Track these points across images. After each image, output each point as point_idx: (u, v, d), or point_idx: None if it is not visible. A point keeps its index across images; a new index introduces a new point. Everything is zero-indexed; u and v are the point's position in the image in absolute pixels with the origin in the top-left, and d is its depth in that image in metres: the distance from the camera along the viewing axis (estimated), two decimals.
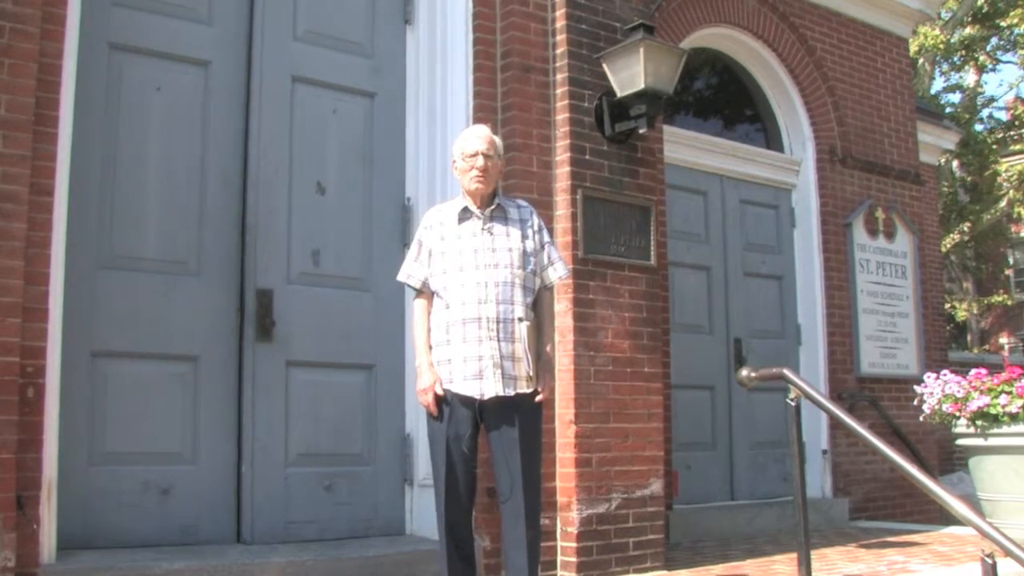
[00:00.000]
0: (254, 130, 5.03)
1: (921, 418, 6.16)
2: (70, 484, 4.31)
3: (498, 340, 3.79)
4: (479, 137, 3.94)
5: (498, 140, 4.02)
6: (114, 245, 4.63)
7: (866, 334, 7.64)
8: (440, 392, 3.84)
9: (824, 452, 7.34)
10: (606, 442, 5.12)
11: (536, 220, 4.02)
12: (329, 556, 4.50)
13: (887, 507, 7.50)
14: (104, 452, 4.49)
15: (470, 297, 3.81)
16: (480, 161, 3.87)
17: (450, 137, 5.18)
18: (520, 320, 3.83)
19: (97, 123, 4.62)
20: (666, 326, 6.22)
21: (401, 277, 4.03)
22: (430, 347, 3.91)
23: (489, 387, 3.79)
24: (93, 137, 4.59)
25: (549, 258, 4.01)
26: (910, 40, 9.55)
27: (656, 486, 5.27)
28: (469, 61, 5.37)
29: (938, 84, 19.29)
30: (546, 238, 4.03)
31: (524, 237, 3.93)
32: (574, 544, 4.95)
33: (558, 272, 4.04)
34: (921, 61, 16.99)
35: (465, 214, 3.92)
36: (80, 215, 4.47)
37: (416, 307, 4.02)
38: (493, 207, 3.92)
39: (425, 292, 3.98)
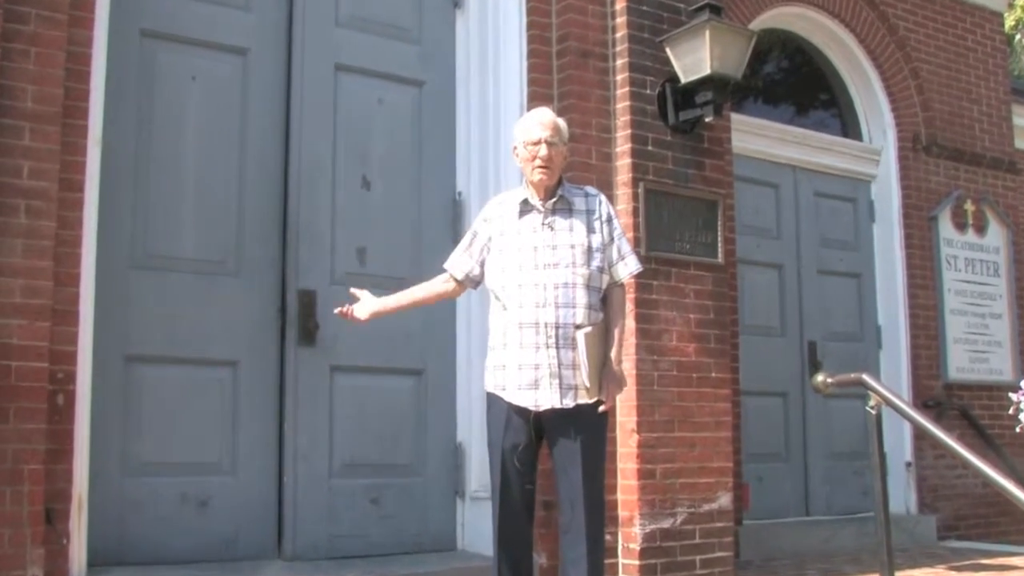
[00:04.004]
0: (295, 122, 5.01)
1: (1018, 428, 5.93)
2: (102, 496, 4.32)
3: (557, 347, 3.68)
4: (541, 123, 3.82)
5: (562, 124, 3.91)
6: (148, 244, 4.63)
7: (954, 337, 7.46)
8: (348, 311, 3.97)
9: (908, 465, 7.20)
10: (671, 452, 5.08)
11: (605, 210, 3.88)
12: (376, 573, 4.50)
13: (980, 526, 7.30)
14: (138, 462, 4.50)
15: (528, 300, 3.71)
16: (543, 150, 3.75)
17: (503, 128, 5.17)
18: (578, 326, 3.71)
19: (129, 115, 4.63)
20: (735, 328, 6.15)
21: (447, 264, 3.99)
22: (404, 302, 4.03)
23: (544, 398, 3.69)
24: (125, 130, 4.60)
25: (620, 252, 3.87)
26: (1005, 14, 9.25)
27: (725, 500, 5.22)
28: (523, 46, 5.35)
29: None
30: (616, 229, 3.89)
31: (590, 231, 3.79)
32: (636, 561, 4.90)
33: (629, 268, 3.89)
34: (1018, 37, 16.51)
35: (526, 207, 3.82)
36: (112, 212, 4.48)
37: (437, 278, 4.01)
38: (556, 199, 3.81)
39: (460, 284, 3.95)
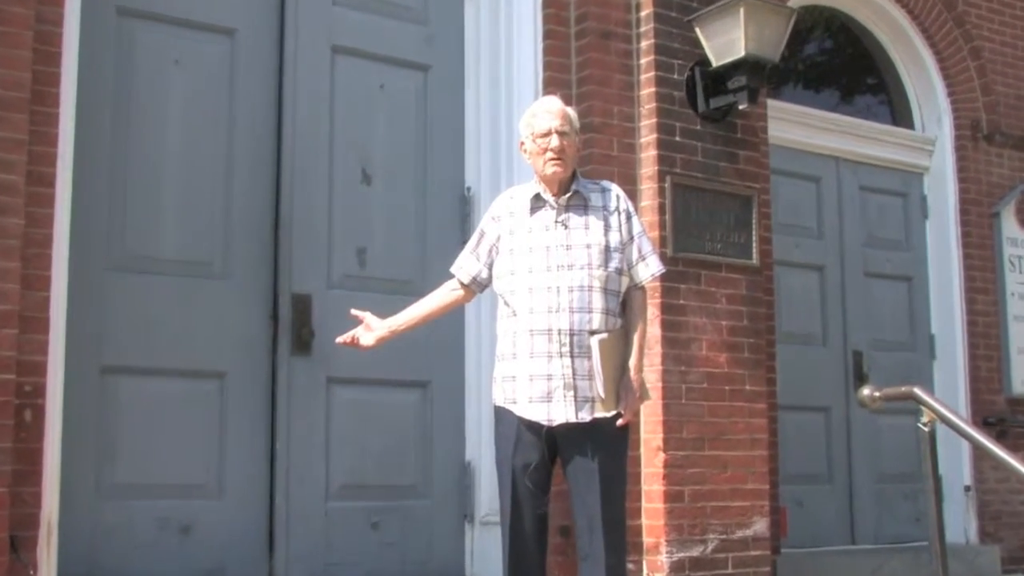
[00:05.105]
0: (288, 109, 5.01)
1: None
2: (74, 521, 4.30)
3: (571, 356, 3.68)
4: (550, 112, 3.83)
5: (572, 112, 3.93)
6: (126, 244, 4.62)
7: (1018, 346, 7.38)
8: (352, 339, 3.93)
9: (967, 488, 7.13)
10: (701, 473, 5.09)
11: (624, 206, 3.89)
12: None
13: None
14: (115, 484, 4.48)
15: (539, 304, 3.71)
16: (554, 141, 3.75)
17: (516, 116, 5.14)
18: (594, 333, 3.70)
19: (105, 102, 4.61)
20: (771, 336, 6.12)
21: (453, 268, 4.00)
22: (412, 320, 4.00)
23: (558, 411, 3.68)
24: (101, 118, 4.58)
25: (640, 252, 3.87)
26: None
27: (760, 525, 5.24)
28: (538, 27, 5.37)
29: None
30: (636, 228, 3.90)
31: (607, 229, 3.80)
32: None
33: (651, 269, 3.90)
34: None
35: (537, 203, 3.82)
36: (87, 209, 4.47)
37: (443, 286, 4.00)
38: (570, 194, 3.81)
39: (468, 288, 3.95)
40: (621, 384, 3.73)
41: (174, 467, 4.60)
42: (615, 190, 3.91)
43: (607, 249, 3.76)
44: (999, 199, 7.46)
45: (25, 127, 4.02)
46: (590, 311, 3.69)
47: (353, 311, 3.94)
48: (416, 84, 5.40)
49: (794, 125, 6.91)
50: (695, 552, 4.98)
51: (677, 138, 5.26)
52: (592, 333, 3.68)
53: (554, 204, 3.79)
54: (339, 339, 3.96)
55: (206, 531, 4.61)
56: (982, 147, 7.45)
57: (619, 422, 3.73)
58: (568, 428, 3.68)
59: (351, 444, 4.98)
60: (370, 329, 3.92)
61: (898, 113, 7.65)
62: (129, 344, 4.55)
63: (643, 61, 5.33)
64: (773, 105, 6.58)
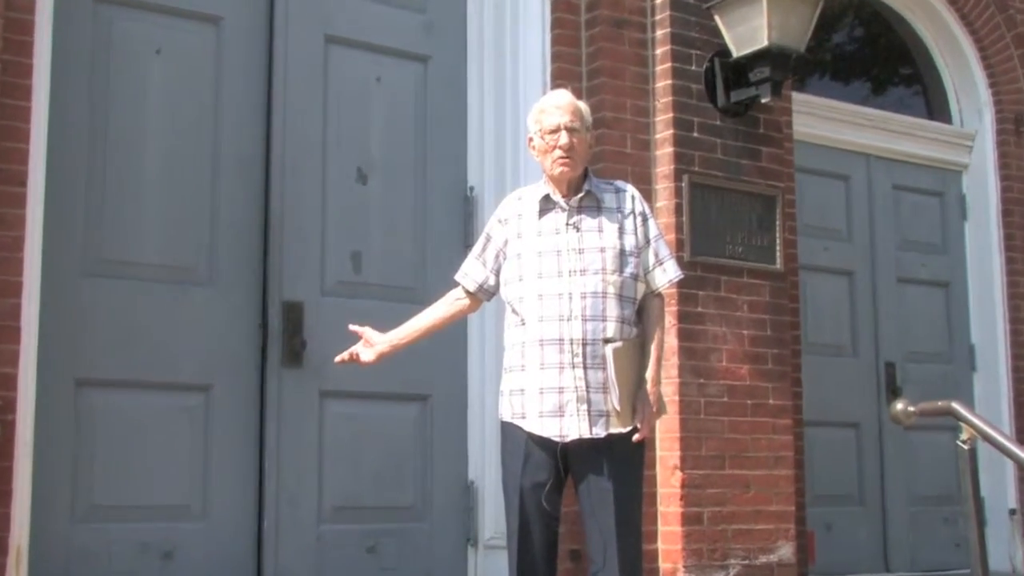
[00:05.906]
0: (278, 104, 5.03)
1: None
2: (47, 546, 4.30)
3: (584, 367, 3.66)
4: (559, 107, 3.82)
5: (583, 107, 3.92)
6: (104, 247, 4.63)
7: None
8: (353, 356, 3.92)
9: (1012, 512, 7.11)
10: (721, 493, 5.10)
11: (639, 208, 3.88)
12: None
13: None
14: (91, 505, 4.47)
15: (550, 312, 3.69)
16: (563, 138, 3.74)
17: (523, 111, 5.19)
18: (608, 341, 3.68)
19: (82, 95, 4.62)
20: (797, 346, 6.11)
21: (457, 275, 3.98)
22: (415, 333, 3.97)
23: (571, 426, 3.66)
24: (77, 113, 4.60)
25: (657, 256, 3.86)
26: None
27: (786, 550, 5.25)
28: (546, 14, 5.40)
29: None
30: (653, 231, 3.89)
31: (622, 232, 3.79)
32: None
33: (668, 275, 3.88)
34: None
35: (547, 204, 3.81)
36: (61, 210, 4.48)
37: (447, 295, 3.98)
38: (582, 195, 3.80)
39: (474, 296, 3.93)
40: (637, 397, 3.71)
41: (155, 487, 4.60)
42: (630, 191, 3.91)
43: (622, 253, 3.75)
44: None
45: None
46: (604, 319, 3.67)
47: (351, 327, 3.93)
48: (415, 76, 5.41)
49: (821, 119, 6.91)
50: None
51: (695, 134, 5.27)
52: (606, 342, 3.66)
53: (565, 205, 3.77)
54: (338, 358, 3.95)
55: (189, 556, 4.62)
56: None
57: (635, 438, 3.70)
58: (581, 444, 3.66)
59: (345, 462, 4.99)
60: (370, 344, 3.91)
61: (934, 106, 7.65)
62: (107, 355, 4.56)
63: (659, 51, 5.34)
64: (798, 98, 6.56)
